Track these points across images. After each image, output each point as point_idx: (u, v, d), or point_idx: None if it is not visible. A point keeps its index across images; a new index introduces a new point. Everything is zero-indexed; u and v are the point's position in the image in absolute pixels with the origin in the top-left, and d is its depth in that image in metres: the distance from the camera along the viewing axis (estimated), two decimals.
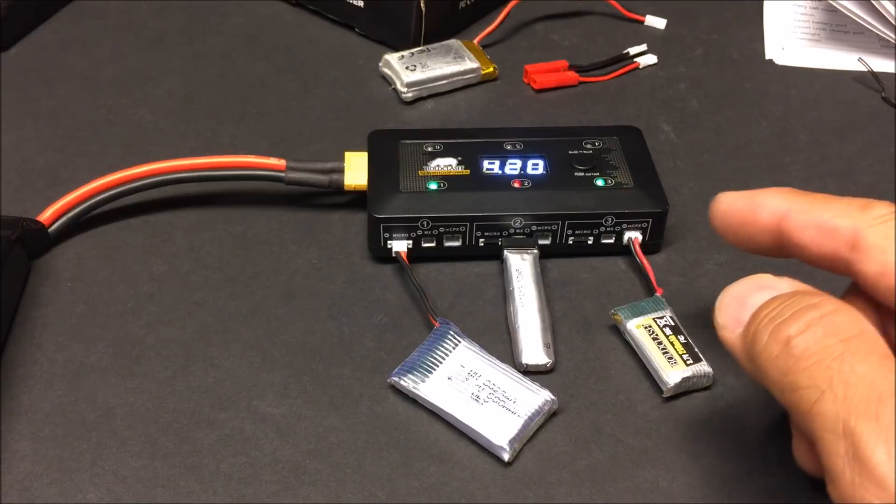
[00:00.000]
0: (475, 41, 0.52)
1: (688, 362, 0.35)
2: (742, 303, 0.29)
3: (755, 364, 0.27)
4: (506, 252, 0.39)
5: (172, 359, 0.36)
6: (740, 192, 0.32)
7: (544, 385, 0.34)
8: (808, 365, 0.25)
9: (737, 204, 0.32)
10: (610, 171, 0.40)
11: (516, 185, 0.40)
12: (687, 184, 0.45)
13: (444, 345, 0.35)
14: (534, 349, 0.36)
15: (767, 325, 0.27)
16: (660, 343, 0.36)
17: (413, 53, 0.50)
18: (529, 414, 0.33)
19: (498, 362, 0.35)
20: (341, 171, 0.41)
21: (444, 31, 0.52)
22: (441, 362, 0.35)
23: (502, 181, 0.40)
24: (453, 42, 0.51)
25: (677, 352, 0.35)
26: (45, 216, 0.40)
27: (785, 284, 0.29)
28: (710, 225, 0.33)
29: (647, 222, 0.40)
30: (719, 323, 0.29)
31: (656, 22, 0.55)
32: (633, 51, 0.52)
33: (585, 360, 0.36)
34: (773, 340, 0.26)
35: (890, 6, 0.50)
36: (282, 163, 0.41)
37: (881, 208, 0.28)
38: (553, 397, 0.34)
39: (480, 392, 0.34)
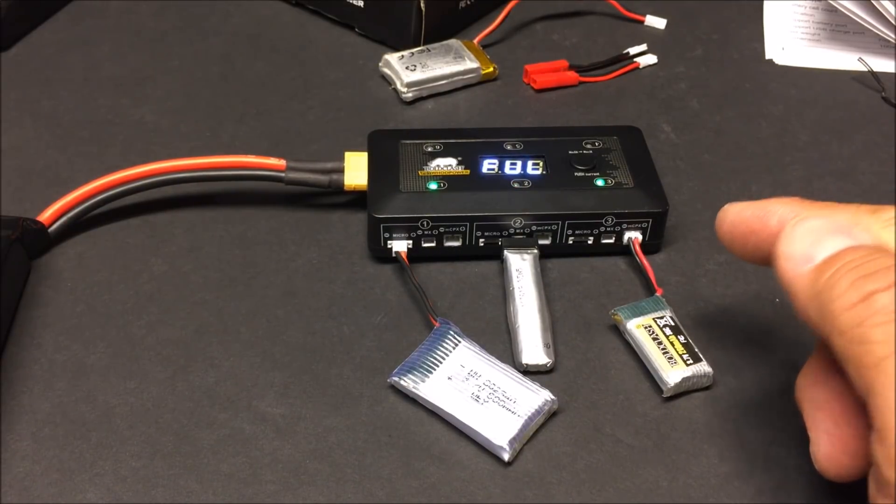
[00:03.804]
0: (475, 41, 0.52)
1: (688, 362, 0.35)
2: (817, 241, 0.28)
3: (822, 306, 0.27)
4: (506, 252, 0.39)
5: (172, 359, 0.36)
6: (747, 202, 0.32)
7: (544, 385, 0.34)
8: (884, 321, 0.25)
9: (744, 213, 0.32)
10: (610, 171, 0.40)
11: (516, 185, 0.40)
12: (687, 184, 0.45)
13: (444, 345, 0.35)
14: (534, 349, 0.36)
15: (849, 273, 0.27)
16: (660, 343, 0.36)
17: (413, 53, 0.50)
18: (529, 414, 0.33)
19: (498, 362, 0.35)
20: (341, 171, 0.41)
21: (444, 31, 0.52)
22: (441, 362, 0.35)
23: (502, 181, 0.40)
24: (453, 42, 0.51)
25: (677, 352, 0.35)
26: (45, 216, 0.40)
27: (861, 234, 0.28)
28: (717, 236, 0.33)
29: (647, 222, 0.40)
30: (785, 253, 0.29)
31: (656, 22, 0.55)
32: (633, 51, 0.52)
33: (585, 360, 0.36)
34: (853, 290, 0.26)
35: (890, 6, 0.50)
36: (282, 163, 0.41)
37: (890, 211, 0.29)
38: (553, 397, 0.34)
39: (480, 392, 0.34)
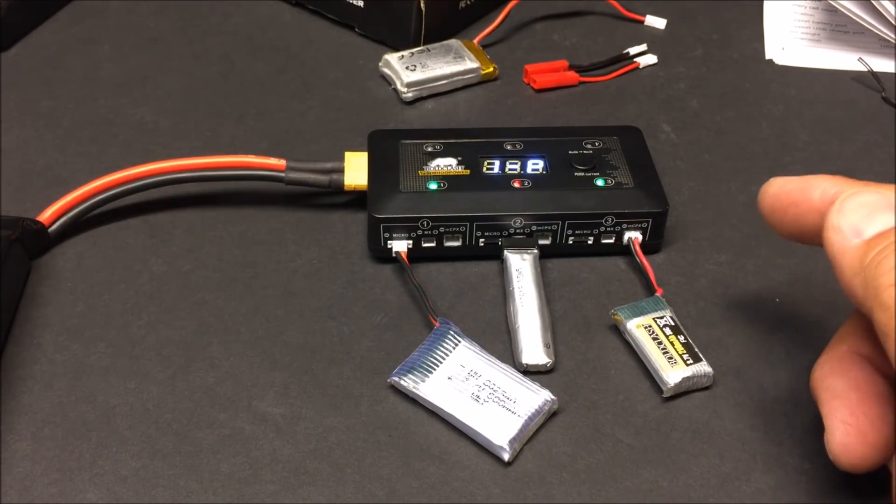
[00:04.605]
0: (475, 41, 0.52)
1: (688, 362, 0.35)
2: (868, 215, 0.28)
3: (868, 281, 0.27)
4: (506, 252, 0.39)
5: (172, 359, 0.36)
6: (792, 176, 0.32)
7: (544, 385, 0.34)
8: None
9: (788, 186, 0.32)
10: (610, 171, 0.40)
11: (516, 185, 0.40)
12: (687, 184, 0.45)
13: (444, 345, 0.35)
14: (534, 349, 0.36)
15: None
16: (660, 343, 0.36)
17: (413, 53, 0.50)
18: (529, 414, 0.33)
19: (498, 362, 0.35)
20: (341, 171, 0.41)
21: (444, 31, 0.52)
22: (441, 362, 0.35)
23: (502, 181, 0.40)
24: (453, 42, 0.51)
25: (677, 352, 0.35)
26: (45, 216, 0.40)
27: None
28: (759, 208, 0.33)
29: (647, 222, 0.40)
30: (835, 225, 0.29)
31: (656, 22, 0.55)
32: (633, 51, 0.52)
33: (585, 360, 0.36)
34: None
35: (890, 6, 0.50)
36: (282, 163, 0.41)
37: None
38: (553, 397, 0.34)
39: (480, 392, 0.34)
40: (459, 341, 0.36)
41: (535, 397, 0.34)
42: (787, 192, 0.32)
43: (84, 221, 0.41)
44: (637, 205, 0.39)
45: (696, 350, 0.35)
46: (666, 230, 0.40)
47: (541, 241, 0.40)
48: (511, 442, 0.33)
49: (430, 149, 0.41)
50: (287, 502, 0.32)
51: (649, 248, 0.40)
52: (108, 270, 0.40)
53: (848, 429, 0.29)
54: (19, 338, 0.37)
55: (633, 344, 0.36)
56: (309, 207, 0.43)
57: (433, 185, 0.40)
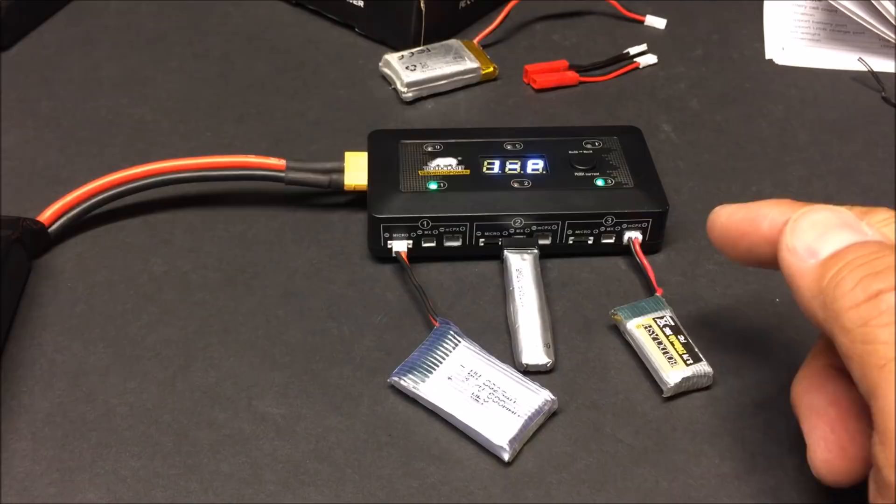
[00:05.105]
0: (475, 41, 0.52)
1: (688, 362, 0.35)
2: (822, 235, 0.28)
3: (827, 303, 0.27)
4: (506, 252, 0.39)
5: (172, 359, 0.36)
6: (738, 204, 0.31)
7: (544, 385, 0.34)
8: (890, 321, 0.25)
9: (736, 216, 0.31)
10: (610, 171, 0.40)
11: (516, 185, 0.40)
12: (687, 184, 0.45)
13: (444, 345, 0.35)
14: (534, 349, 0.36)
15: (857, 271, 0.26)
16: (660, 343, 0.36)
17: (413, 53, 0.50)
18: (529, 414, 0.33)
19: (498, 362, 0.35)
20: (341, 171, 0.41)
21: (444, 31, 0.52)
22: (441, 362, 0.35)
23: (502, 181, 0.40)
24: (453, 42, 0.51)
25: (677, 352, 0.35)
26: (45, 216, 0.40)
27: (868, 230, 0.28)
28: (709, 238, 0.33)
29: (647, 222, 0.40)
30: (790, 246, 0.28)
31: (656, 22, 0.55)
32: (633, 51, 0.52)
33: (585, 360, 0.36)
34: (860, 288, 0.26)
35: (890, 6, 0.50)
36: (282, 163, 0.41)
37: (882, 213, 0.28)
38: (553, 397, 0.34)
39: (480, 392, 0.34)
40: (459, 341, 0.36)
41: (535, 397, 0.34)
42: (735, 223, 0.31)
43: (84, 221, 0.41)
44: (637, 205, 0.39)
45: (696, 350, 0.35)
46: (666, 230, 0.40)
47: (541, 241, 0.40)
48: (511, 442, 0.33)
49: (430, 149, 0.41)
50: (287, 502, 0.32)
51: (649, 248, 0.40)
52: (108, 270, 0.40)
53: (829, 445, 0.29)
54: (19, 338, 0.37)
55: (633, 344, 0.36)
56: (309, 207, 0.43)
57: (433, 185, 0.40)
